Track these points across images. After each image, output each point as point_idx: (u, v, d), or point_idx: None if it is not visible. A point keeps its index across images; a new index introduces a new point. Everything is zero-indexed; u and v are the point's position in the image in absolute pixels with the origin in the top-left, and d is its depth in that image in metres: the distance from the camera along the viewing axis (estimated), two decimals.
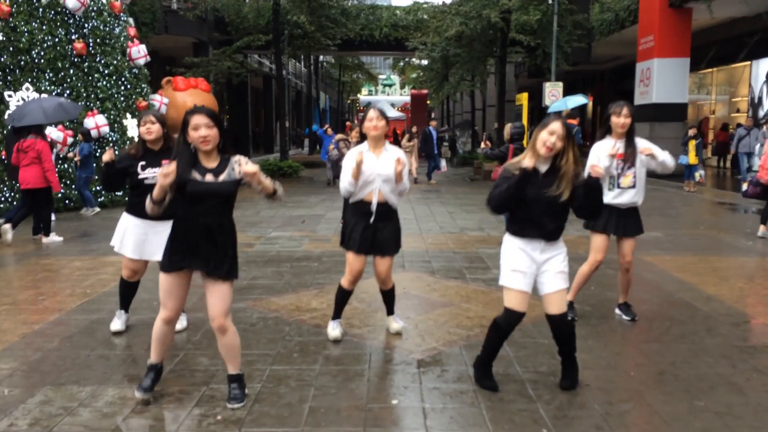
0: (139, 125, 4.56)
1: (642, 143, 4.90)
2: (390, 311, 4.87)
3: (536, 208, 3.58)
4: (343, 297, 4.70)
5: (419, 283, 6.43)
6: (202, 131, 3.34)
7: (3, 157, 11.66)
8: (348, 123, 34.67)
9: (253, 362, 4.25)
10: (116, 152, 4.54)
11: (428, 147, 18.60)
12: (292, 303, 5.70)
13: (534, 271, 3.67)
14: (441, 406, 3.59)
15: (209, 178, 3.40)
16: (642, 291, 6.22)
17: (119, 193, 12.11)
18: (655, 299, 5.92)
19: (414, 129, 19.60)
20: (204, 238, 3.42)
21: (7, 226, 8.74)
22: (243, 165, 3.44)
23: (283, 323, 5.11)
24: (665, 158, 4.88)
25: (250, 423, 3.36)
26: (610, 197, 4.91)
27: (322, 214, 11.56)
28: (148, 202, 3.44)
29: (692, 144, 14.56)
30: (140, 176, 4.49)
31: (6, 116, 11.89)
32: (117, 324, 4.89)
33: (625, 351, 4.55)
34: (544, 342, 4.52)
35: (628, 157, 4.86)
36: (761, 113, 19.91)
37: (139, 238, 4.59)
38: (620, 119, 4.81)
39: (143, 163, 4.49)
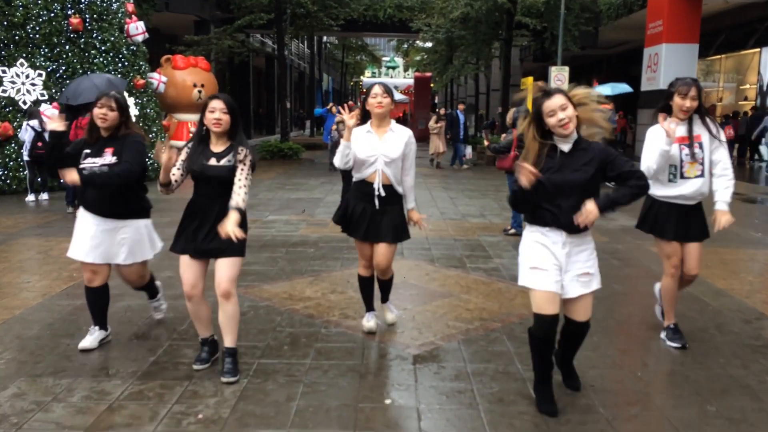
0: (95, 105, 3.92)
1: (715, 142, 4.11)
2: (385, 298, 4.54)
3: (561, 196, 3.13)
4: (365, 286, 4.44)
5: (418, 272, 6.22)
6: (216, 114, 3.61)
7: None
8: (350, 102, 34.24)
9: (241, 355, 4.02)
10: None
11: (454, 131, 17.72)
12: (285, 291, 5.48)
13: (557, 266, 3.19)
14: (437, 407, 3.38)
15: (213, 161, 3.65)
16: (648, 284, 5.99)
17: None
18: None
19: (441, 111, 18.73)
20: (205, 219, 3.65)
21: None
22: (245, 167, 3.66)
23: (275, 313, 4.90)
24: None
25: (233, 423, 3.15)
26: (670, 191, 4.14)
27: (320, 198, 11.32)
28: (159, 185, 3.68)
29: None
30: (81, 166, 3.88)
31: (0, 92, 11.70)
32: (87, 340, 4.06)
33: (632, 349, 4.33)
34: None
35: (695, 140, 4.07)
36: None
37: (93, 238, 3.96)
38: (685, 102, 3.99)
39: (87, 150, 3.94)
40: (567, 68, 17.20)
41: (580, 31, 20.24)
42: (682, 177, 4.09)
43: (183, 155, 3.70)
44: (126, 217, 4.03)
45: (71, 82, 11.29)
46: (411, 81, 46.26)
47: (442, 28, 22.45)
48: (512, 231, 8.05)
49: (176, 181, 3.67)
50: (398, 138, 4.13)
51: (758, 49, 20.94)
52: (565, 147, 3.19)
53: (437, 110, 18.76)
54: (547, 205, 3.18)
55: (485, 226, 8.75)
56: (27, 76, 12.04)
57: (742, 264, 6.79)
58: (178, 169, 3.67)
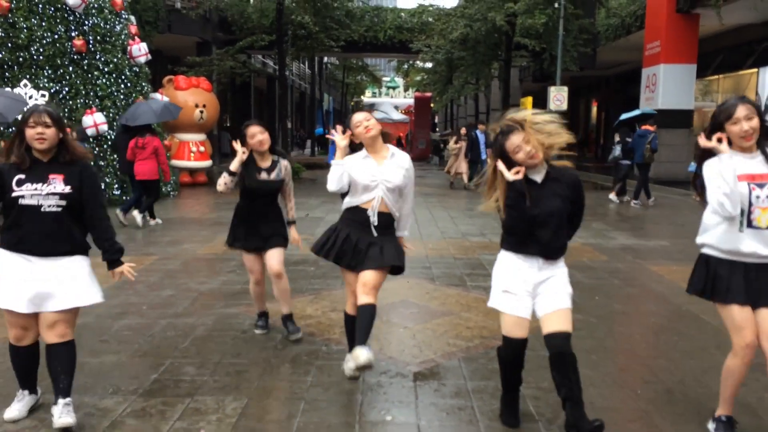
0: (25, 125, 3.26)
1: None
2: (362, 339, 3.60)
3: (539, 226, 3.14)
4: (352, 326, 3.85)
5: (418, 291, 6.24)
6: (258, 137, 4.48)
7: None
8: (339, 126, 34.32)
9: (242, 372, 4.06)
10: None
11: (475, 152, 17.30)
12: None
13: (529, 292, 3.18)
14: (437, 423, 3.39)
15: (263, 176, 4.56)
16: (649, 303, 6.03)
17: None
18: (663, 312, 5.71)
19: (463, 131, 18.30)
20: (260, 221, 4.63)
21: (136, 212, 9.90)
22: (289, 180, 4.77)
23: (276, 331, 4.91)
24: None
25: None
26: (736, 244, 3.14)
27: (322, 217, 11.36)
28: (224, 176, 4.46)
29: None
30: (14, 193, 3.23)
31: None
32: (14, 409, 3.42)
33: (632, 367, 4.35)
34: (547, 355, 4.32)
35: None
36: None
37: (25, 283, 3.26)
38: (742, 125, 3.05)
39: (21, 176, 3.26)
40: (566, 88, 17.39)
41: (578, 52, 20.43)
42: (751, 226, 3.10)
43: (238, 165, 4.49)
44: (62, 254, 3.35)
45: (131, 107, 11.71)
46: (411, 101, 46.57)
47: (442, 49, 22.66)
48: None
49: (228, 186, 4.52)
50: (399, 164, 3.87)
51: (756, 70, 21.13)
52: (538, 177, 3.20)
53: (459, 130, 18.22)
54: (524, 236, 3.20)
55: (485, 245, 8.79)
56: (30, 97, 12.13)
57: None
58: (232, 180, 4.50)
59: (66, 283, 3.29)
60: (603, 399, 3.74)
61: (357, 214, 3.84)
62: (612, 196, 14.28)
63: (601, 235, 9.56)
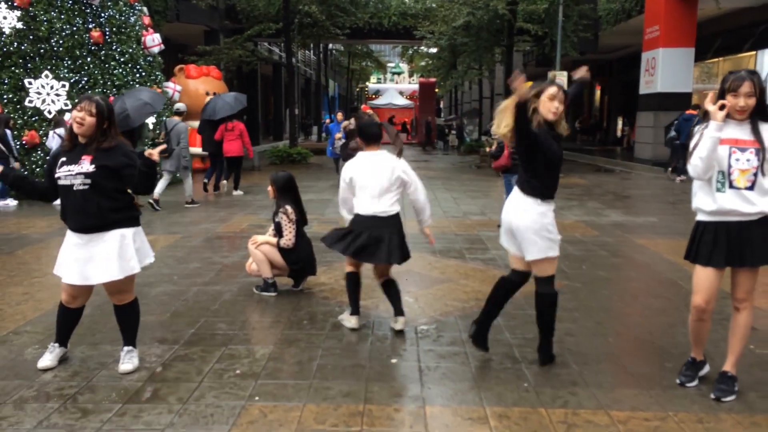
0: (75, 107, 3.67)
1: None
2: (398, 310, 4.68)
3: (557, 167, 3.84)
4: (353, 283, 4.71)
5: (421, 262, 6.84)
6: None
7: (24, 142, 12.16)
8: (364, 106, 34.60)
9: (267, 328, 4.68)
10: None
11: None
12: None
13: None
14: (435, 365, 4.01)
15: None
16: (631, 270, 6.62)
17: None
18: (643, 278, 6.30)
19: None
20: None
21: (224, 182, 12.81)
22: None
23: (294, 295, 5.53)
24: None
25: (266, 376, 3.79)
26: (716, 203, 3.47)
27: (329, 199, 11.97)
28: None
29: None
30: (56, 175, 3.67)
31: (27, 102, 12.43)
32: (46, 359, 3.94)
33: (607, 322, 4.93)
34: (533, 313, 4.91)
35: (751, 144, 3.41)
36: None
37: (74, 257, 3.74)
38: (738, 100, 3.36)
39: (63, 159, 3.68)
40: (566, 73, 17.80)
41: (578, 37, 20.83)
42: (732, 187, 3.42)
43: None
44: (103, 229, 3.72)
45: (207, 104, 13.45)
46: (416, 86, 46.94)
47: (445, 35, 23.08)
48: None
49: None
50: (385, 164, 4.49)
51: (754, 53, 21.50)
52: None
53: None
54: (551, 179, 3.84)
55: (485, 223, 9.37)
56: (51, 87, 12.73)
57: None
58: None
59: (102, 258, 3.68)
60: (579, 346, 4.34)
61: (364, 219, 4.53)
62: (670, 173, 15.77)
63: (594, 213, 10.13)
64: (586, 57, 27.30)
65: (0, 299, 5.40)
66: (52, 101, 12.72)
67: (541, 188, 3.80)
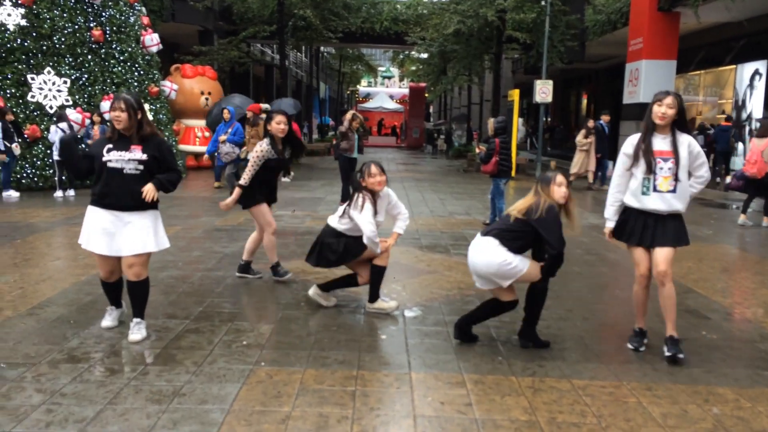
0: (110, 108, 4.30)
1: (692, 146, 4.25)
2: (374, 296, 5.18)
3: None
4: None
5: (409, 256, 7.33)
6: (282, 125, 5.74)
7: (26, 136, 12.53)
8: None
9: (268, 307, 5.15)
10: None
11: (603, 145, 15.39)
12: (298, 267, 6.56)
13: None
14: (419, 341, 4.49)
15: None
16: (602, 266, 7.14)
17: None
18: (613, 273, 6.84)
19: (590, 124, 15.74)
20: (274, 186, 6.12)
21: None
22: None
23: (291, 281, 6.01)
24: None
25: (269, 347, 4.26)
26: (640, 203, 4.32)
27: (322, 197, 12.45)
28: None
29: None
30: (104, 158, 4.19)
31: (29, 97, 12.78)
32: (107, 320, 4.61)
33: (576, 309, 5.44)
34: None
35: (670, 154, 4.20)
36: (744, 115, 20.86)
37: (107, 232, 4.25)
38: (660, 108, 4.16)
39: (110, 145, 4.25)
40: (551, 82, 18.42)
41: (565, 46, 21.45)
42: (655, 190, 4.23)
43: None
44: (138, 208, 4.27)
45: (272, 104, 14.33)
46: (406, 91, 47.49)
47: (436, 42, 23.63)
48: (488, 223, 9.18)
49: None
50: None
51: (734, 66, 22.21)
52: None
53: (587, 124, 15.90)
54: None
55: (469, 222, 9.89)
56: (53, 83, 13.13)
57: (687, 254, 7.88)
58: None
59: (137, 232, 4.22)
60: (548, 329, 4.84)
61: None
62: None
63: None
64: (574, 66, 28.08)
65: (20, 279, 5.82)
66: (54, 97, 13.12)
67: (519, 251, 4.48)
